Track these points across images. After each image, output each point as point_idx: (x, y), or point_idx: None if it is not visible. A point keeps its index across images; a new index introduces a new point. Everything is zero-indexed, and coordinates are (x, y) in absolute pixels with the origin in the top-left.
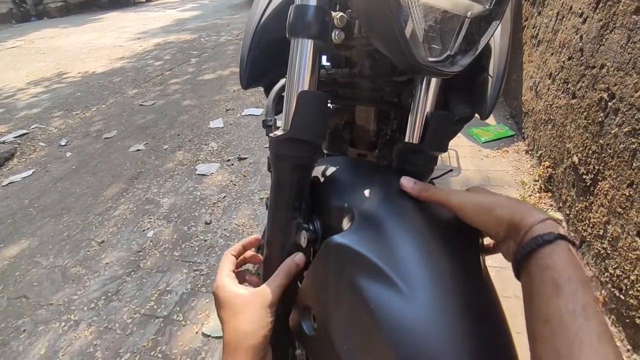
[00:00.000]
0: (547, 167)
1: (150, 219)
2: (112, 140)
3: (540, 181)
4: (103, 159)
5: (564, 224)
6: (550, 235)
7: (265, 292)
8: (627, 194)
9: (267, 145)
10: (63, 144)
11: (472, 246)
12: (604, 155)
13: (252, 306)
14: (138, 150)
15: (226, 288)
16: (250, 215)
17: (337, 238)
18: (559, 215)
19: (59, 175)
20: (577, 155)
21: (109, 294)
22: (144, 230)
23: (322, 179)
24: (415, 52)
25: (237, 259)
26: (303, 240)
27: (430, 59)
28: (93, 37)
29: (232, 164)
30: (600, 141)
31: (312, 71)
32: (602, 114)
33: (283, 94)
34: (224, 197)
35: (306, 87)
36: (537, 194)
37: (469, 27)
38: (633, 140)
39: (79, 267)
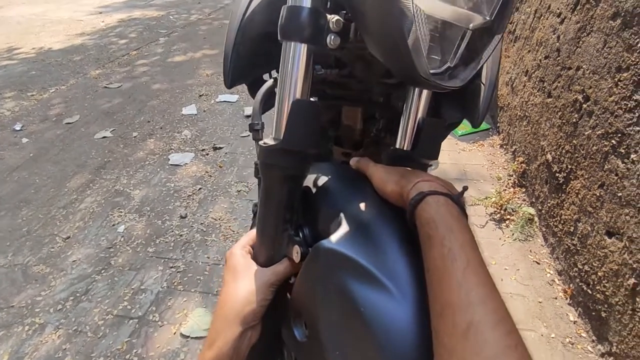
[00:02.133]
0: (521, 163)
1: (121, 212)
2: (74, 125)
3: (514, 176)
4: (65, 147)
5: (536, 218)
6: (419, 195)
7: (268, 271)
8: (598, 194)
9: (244, 135)
10: (18, 128)
11: None
12: (577, 155)
13: (254, 277)
14: (104, 137)
15: (237, 255)
16: (228, 209)
17: (325, 243)
18: (531, 210)
19: (14, 163)
20: (551, 154)
21: (78, 294)
22: (114, 225)
23: (313, 189)
24: (417, 63)
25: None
26: (296, 255)
27: (430, 71)
28: (48, 9)
29: (207, 154)
30: (574, 141)
31: (305, 77)
32: (576, 115)
33: (271, 97)
34: (200, 189)
35: (299, 94)
36: (512, 189)
37: (470, 40)
38: (605, 143)
39: (43, 266)
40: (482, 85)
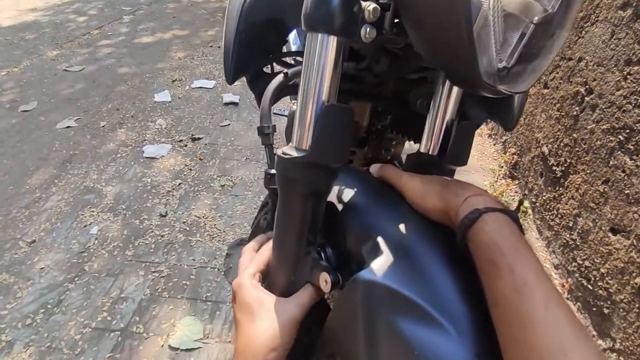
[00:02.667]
0: (513, 154)
1: (93, 211)
2: (32, 113)
3: (504, 167)
4: (23, 138)
5: (529, 211)
6: (474, 213)
7: (291, 305)
8: (602, 190)
9: (225, 124)
10: None
11: None
12: (577, 149)
13: (275, 315)
14: (68, 127)
15: (248, 288)
16: (212, 205)
17: (366, 274)
18: (525, 204)
19: None
20: (547, 146)
21: (49, 306)
22: (85, 226)
23: (339, 205)
24: (483, 65)
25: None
26: (324, 284)
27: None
28: None
29: (186, 145)
30: (574, 135)
31: (333, 76)
32: (577, 108)
33: (280, 94)
34: (179, 184)
35: (326, 97)
36: (503, 180)
37: (532, 36)
38: (612, 138)
39: (5, 275)
40: None
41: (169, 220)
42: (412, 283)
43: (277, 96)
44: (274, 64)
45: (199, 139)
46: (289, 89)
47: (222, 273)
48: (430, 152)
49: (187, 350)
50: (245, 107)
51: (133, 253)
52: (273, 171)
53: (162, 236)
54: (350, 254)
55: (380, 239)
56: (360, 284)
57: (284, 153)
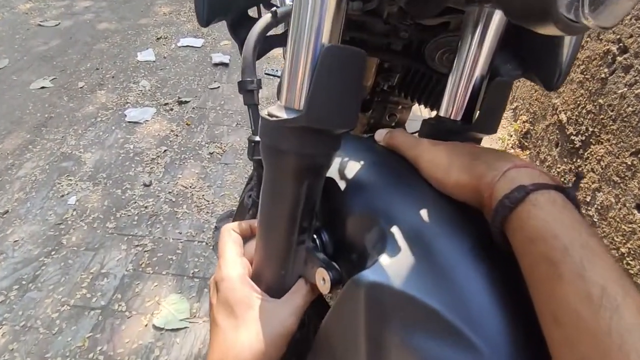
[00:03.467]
0: (524, 122)
1: (70, 180)
2: (3, 72)
3: (514, 136)
4: None
5: None
6: (519, 191)
7: (285, 311)
8: (629, 162)
9: (214, 87)
10: None
11: None
12: (602, 116)
13: (265, 327)
14: (43, 87)
15: (235, 284)
16: (200, 175)
17: (372, 275)
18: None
19: None
20: (565, 113)
21: (24, 282)
22: (63, 196)
23: (341, 183)
24: None
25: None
26: (322, 283)
27: None
28: None
29: (172, 109)
30: (600, 100)
31: (336, 14)
32: (606, 70)
33: (268, 40)
34: (165, 151)
35: (326, 39)
36: (512, 150)
37: None
38: None
39: None
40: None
41: (153, 190)
42: (432, 287)
43: (264, 45)
44: (261, 6)
45: (185, 102)
46: (279, 39)
47: (211, 247)
48: (452, 117)
49: (172, 330)
50: (237, 68)
51: (114, 225)
52: (258, 138)
53: (145, 207)
54: (351, 243)
55: (388, 227)
56: (363, 286)
57: (269, 115)
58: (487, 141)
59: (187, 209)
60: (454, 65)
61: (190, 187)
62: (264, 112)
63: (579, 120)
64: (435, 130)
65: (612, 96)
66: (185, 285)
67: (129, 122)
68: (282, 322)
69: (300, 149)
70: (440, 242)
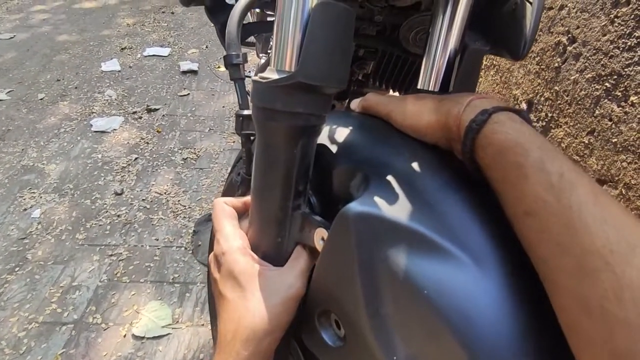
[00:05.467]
0: None
1: (34, 193)
2: None
3: None
4: None
5: None
6: (484, 114)
7: (291, 277)
8: (587, 141)
9: (184, 94)
10: None
11: None
12: (559, 102)
13: (273, 292)
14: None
15: (237, 255)
16: (174, 180)
17: (356, 207)
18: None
19: None
20: (526, 102)
21: None
22: (25, 210)
23: (332, 147)
24: None
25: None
26: (322, 242)
27: None
28: None
29: (140, 117)
30: (556, 88)
31: None
32: (559, 60)
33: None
34: (136, 159)
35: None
36: None
37: None
38: (597, 87)
39: None
40: (527, 2)
41: (125, 199)
42: (416, 213)
43: (243, 33)
44: None
45: (155, 110)
46: (265, 24)
47: (190, 252)
48: (431, 89)
49: (154, 338)
50: (206, 75)
51: (85, 236)
52: (247, 112)
53: (118, 216)
54: (337, 196)
55: (369, 172)
56: (350, 219)
57: (261, 77)
58: None
59: (162, 215)
60: (429, 40)
61: (165, 193)
62: (257, 77)
63: (539, 107)
64: None
65: (566, 82)
66: (165, 292)
67: (96, 131)
68: (289, 286)
69: (294, 107)
70: (419, 176)
